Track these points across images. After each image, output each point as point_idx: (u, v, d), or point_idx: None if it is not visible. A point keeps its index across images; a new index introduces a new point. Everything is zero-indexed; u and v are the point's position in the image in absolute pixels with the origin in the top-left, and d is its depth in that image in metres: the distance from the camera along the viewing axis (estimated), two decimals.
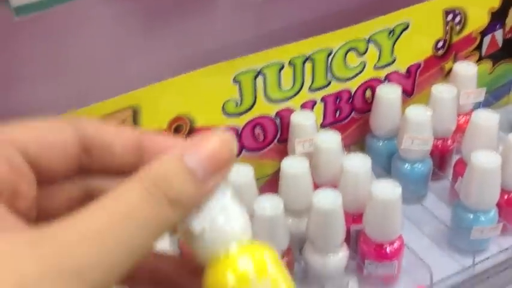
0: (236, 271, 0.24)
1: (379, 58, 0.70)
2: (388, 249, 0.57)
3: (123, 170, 0.27)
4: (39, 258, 0.20)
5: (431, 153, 0.71)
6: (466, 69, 0.72)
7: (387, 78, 0.73)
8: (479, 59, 0.80)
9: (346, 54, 0.67)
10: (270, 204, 0.54)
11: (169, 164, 0.23)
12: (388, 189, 0.54)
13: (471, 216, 0.61)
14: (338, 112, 0.73)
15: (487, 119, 0.63)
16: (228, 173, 0.24)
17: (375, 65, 0.71)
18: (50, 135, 0.26)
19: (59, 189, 0.27)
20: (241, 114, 0.67)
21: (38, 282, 0.19)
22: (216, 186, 0.24)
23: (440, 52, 0.75)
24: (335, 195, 0.54)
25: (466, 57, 0.78)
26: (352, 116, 0.74)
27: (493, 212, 0.61)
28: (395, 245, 0.58)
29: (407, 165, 0.69)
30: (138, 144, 0.27)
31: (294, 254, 0.59)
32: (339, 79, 0.69)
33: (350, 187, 0.58)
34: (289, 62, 0.65)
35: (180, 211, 0.23)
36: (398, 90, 0.69)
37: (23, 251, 0.20)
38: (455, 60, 0.77)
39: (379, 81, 0.73)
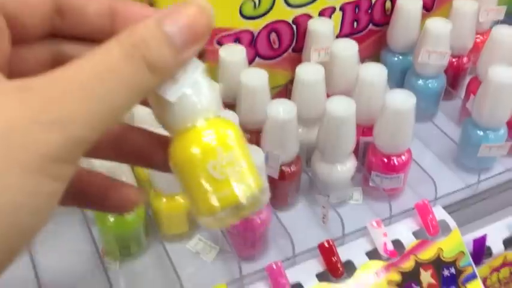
0: (200, 143, 0.25)
1: None
2: (395, 162, 0.58)
3: (95, 37, 0.27)
4: (27, 107, 0.20)
5: (446, 71, 0.70)
6: None
7: None
8: None
9: None
10: (282, 109, 0.53)
11: (148, 28, 0.23)
12: (402, 100, 0.54)
13: (481, 133, 0.60)
14: (356, 23, 0.71)
15: (507, 35, 0.61)
16: (204, 43, 0.24)
17: None
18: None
19: (31, 51, 0.27)
20: (258, 17, 0.65)
21: (25, 127, 0.20)
22: (193, 56, 0.24)
23: None
24: (349, 103, 0.54)
25: None
26: (369, 28, 0.72)
27: (503, 131, 0.60)
28: (404, 157, 0.58)
29: (421, 81, 0.68)
30: (112, 11, 0.26)
31: (302, 163, 0.60)
32: None
33: (364, 97, 0.58)
34: None
35: (157, 76, 0.23)
36: (419, 1, 0.67)
37: (12, 99, 0.21)
38: None
39: None
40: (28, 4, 0.26)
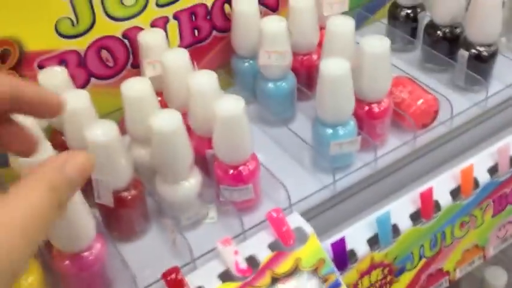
0: None
1: None
2: (241, 172, 0.53)
3: None
4: None
5: (297, 70, 0.67)
6: None
7: None
8: None
9: None
10: (102, 132, 0.47)
11: (58, 175, 0.31)
12: (231, 106, 0.49)
13: (330, 131, 0.57)
14: (196, 31, 0.67)
15: (341, 25, 0.59)
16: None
17: None
18: None
19: None
20: (80, 35, 0.59)
21: None
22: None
23: None
24: (175, 115, 0.49)
25: None
26: (213, 35, 0.68)
27: (352, 125, 0.58)
28: (250, 166, 0.54)
29: (269, 84, 0.64)
30: (15, 94, 0.33)
31: (145, 186, 0.54)
32: None
33: (199, 108, 0.53)
34: None
35: (62, 210, 0.31)
36: (255, 1, 0.64)
37: None
38: None
39: None
40: None
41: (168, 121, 0.48)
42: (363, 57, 0.57)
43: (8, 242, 0.27)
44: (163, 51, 0.58)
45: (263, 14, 0.70)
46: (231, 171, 0.53)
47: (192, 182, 0.52)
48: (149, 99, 0.53)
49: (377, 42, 0.56)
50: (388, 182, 0.59)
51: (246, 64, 0.68)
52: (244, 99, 0.68)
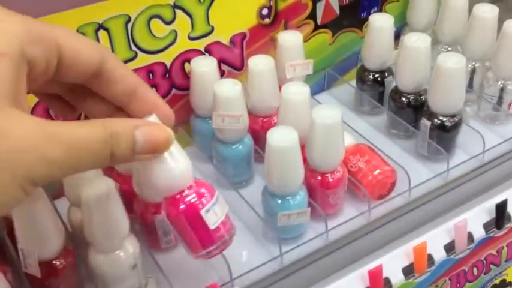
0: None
1: (192, 27, 0.63)
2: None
3: (111, 101, 0.39)
4: (32, 141, 0.29)
5: (257, 132, 0.66)
6: (290, 39, 0.66)
7: (207, 49, 0.66)
8: (316, 29, 0.74)
9: (149, 21, 0.60)
10: (29, 198, 0.46)
11: (125, 128, 0.33)
12: (99, 186, 0.46)
13: (278, 201, 0.55)
14: (155, 89, 0.66)
15: (296, 93, 0.58)
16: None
17: (188, 34, 0.64)
18: (85, 54, 0.35)
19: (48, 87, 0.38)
20: None
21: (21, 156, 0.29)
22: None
23: (267, 20, 0.69)
24: (107, 182, 0.47)
25: (299, 27, 0.72)
26: (173, 93, 0.67)
27: (302, 195, 0.56)
28: None
29: (225, 147, 0.63)
30: (134, 92, 0.38)
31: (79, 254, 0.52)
32: (146, 51, 0.62)
33: None
34: (77, 31, 0.56)
35: (113, 162, 0.33)
36: (214, 62, 0.63)
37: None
38: (286, 29, 0.71)
39: (200, 53, 0.66)
40: (81, 62, 0.35)
41: (99, 187, 0.46)
42: (314, 128, 0.55)
43: (47, 149, 0.29)
44: None
45: (227, 74, 0.69)
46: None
47: (127, 253, 0.50)
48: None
49: (328, 112, 0.55)
50: (338, 256, 0.57)
51: (205, 124, 0.66)
52: (201, 160, 0.67)
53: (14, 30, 0.32)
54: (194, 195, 0.42)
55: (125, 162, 0.34)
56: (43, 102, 0.42)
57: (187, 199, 0.42)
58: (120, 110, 0.40)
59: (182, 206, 0.42)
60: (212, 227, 0.43)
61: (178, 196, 0.42)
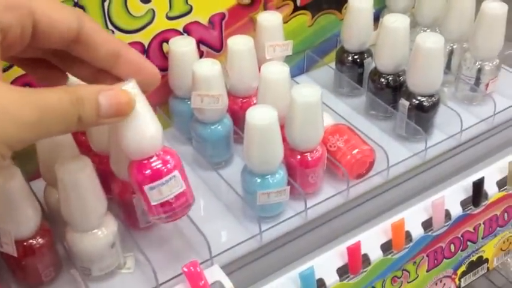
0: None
1: (170, 6, 0.63)
2: None
3: (97, 65, 0.39)
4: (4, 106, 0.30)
5: (236, 113, 0.65)
6: (269, 19, 0.66)
7: (186, 29, 0.66)
8: (295, 10, 0.74)
9: (125, 0, 0.59)
10: (4, 177, 0.45)
11: (90, 93, 0.35)
12: (75, 164, 0.47)
13: (258, 180, 0.55)
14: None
15: (275, 72, 0.58)
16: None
17: (166, 14, 0.63)
18: (61, 20, 0.35)
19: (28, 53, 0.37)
20: None
21: None
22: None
23: (247, 1, 0.68)
24: (83, 161, 0.46)
25: (278, 8, 0.72)
26: None
27: (281, 174, 0.56)
28: None
29: (204, 127, 0.62)
30: (117, 53, 0.38)
31: (56, 233, 0.51)
32: (123, 30, 0.61)
33: None
34: None
35: (81, 126, 0.34)
36: (193, 42, 0.62)
37: None
38: (265, 10, 0.71)
39: (178, 33, 0.65)
40: (57, 28, 0.35)
41: (75, 165, 0.46)
42: (293, 107, 0.55)
43: (21, 113, 0.30)
44: None
45: (205, 55, 0.69)
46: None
47: (105, 231, 0.49)
48: (64, 142, 0.50)
49: (308, 91, 0.55)
50: (317, 234, 0.57)
51: (183, 105, 0.66)
52: (180, 141, 0.67)
53: None
54: (153, 166, 0.44)
55: (92, 125, 0.36)
56: (27, 72, 0.41)
57: (145, 171, 0.44)
58: (106, 72, 0.40)
59: (141, 173, 0.44)
60: (153, 203, 0.45)
61: (145, 162, 0.44)
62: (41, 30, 0.34)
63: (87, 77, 0.41)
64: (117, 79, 0.39)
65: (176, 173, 0.45)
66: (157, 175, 0.44)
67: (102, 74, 0.40)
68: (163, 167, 0.44)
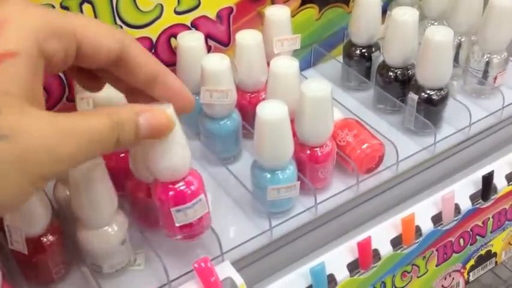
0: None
1: (178, 1, 0.62)
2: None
3: (134, 86, 0.39)
4: (46, 136, 0.30)
5: (245, 108, 0.65)
6: (277, 13, 0.65)
7: (194, 24, 0.65)
8: (302, 4, 0.74)
9: None
10: None
11: (129, 115, 0.34)
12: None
13: (268, 175, 0.55)
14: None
15: (284, 66, 0.58)
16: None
17: (175, 9, 0.63)
18: (104, 43, 0.35)
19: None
20: None
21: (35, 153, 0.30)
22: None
23: None
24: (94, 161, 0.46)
25: (286, 2, 0.72)
26: None
27: (291, 170, 0.56)
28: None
29: (212, 123, 0.62)
30: (156, 77, 0.38)
31: (67, 230, 0.51)
32: (131, 25, 0.61)
33: None
34: (61, 5, 0.55)
35: (118, 147, 0.34)
36: (201, 37, 0.62)
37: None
38: (273, 4, 0.70)
39: (186, 28, 0.65)
40: (100, 53, 0.35)
41: (87, 163, 0.46)
42: (303, 101, 0.55)
43: (59, 146, 0.30)
44: None
45: (213, 50, 0.69)
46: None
47: (116, 228, 0.49)
48: None
49: (318, 86, 0.55)
50: (327, 229, 0.57)
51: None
52: (188, 136, 0.67)
53: (31, 25, 0.32)
54: (180, 189, 0.46)
55: (128, 146, 0.38)
56: (67, 74, 0.42)
57: (170, 192, 0.46)
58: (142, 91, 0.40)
59: (166, 195, 0.46)
60: (177, 224, 0.48)
61: (172, 184, 0.46)
62: (84, 54, 0.34)
63: (124, 90, 0.41)
64: (152, 98, 0.39)
65: (202, 196, 0.48)
66: (183, 198, 0.46)
67: (139, 91, 0.40)
68: (189, 190, 0.46)
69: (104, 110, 0.33)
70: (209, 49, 0.68)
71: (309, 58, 0.80)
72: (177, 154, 0.43)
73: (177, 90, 0.39)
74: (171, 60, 0.65)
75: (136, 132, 0.34)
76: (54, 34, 0.33)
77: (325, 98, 0.55)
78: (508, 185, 0.65)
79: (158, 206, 0.48)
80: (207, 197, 0.49)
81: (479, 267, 0.69)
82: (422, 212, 0.59)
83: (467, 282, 0.68)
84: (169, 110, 0.38)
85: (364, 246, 0.55)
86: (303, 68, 0.79)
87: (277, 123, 0.52)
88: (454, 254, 0.64)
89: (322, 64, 0.81)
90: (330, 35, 0.80)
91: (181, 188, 0.46)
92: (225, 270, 0.51)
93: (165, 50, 0.65)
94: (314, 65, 0.81)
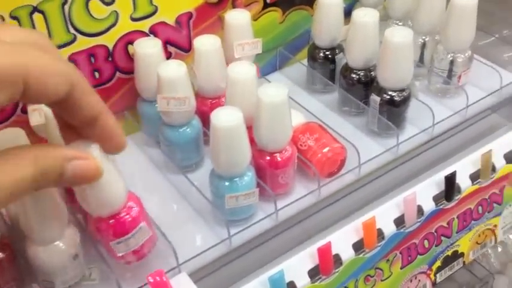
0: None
1: (134, 7, 0.61)
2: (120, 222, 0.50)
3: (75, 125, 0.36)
4: None
5: (204, 115, 0.64)
6: (237, 17, 0.65)
7: (152, 30, 0.64)
8: (265, 7, 0.73)
9: (87, 2, 0.58)
10: None
11: (57, 160, 0.33)
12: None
13: (225, 183, 0.55)
14: (97, 73, 0.64)
15: (241, 72, 0.57)
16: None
17: (131, 15, 0.62)
18: (52, 86, 0.32)
19: None
20: None
21: None
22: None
23: None
24: None
25: (247, 6, 0.71)
26: (117, 77, 0.65)
27: (249, 176, 0.55)
28: (128, 217, 0.49)
29: (172, 130, 0.61)
30: (95, 119, 0.36)
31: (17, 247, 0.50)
32: (85, 33, 0.60)
33: None
34: (11, 15, 0.54)
35: (36, 189, 0.33)
36: (158, 43, 0.61)
37: None
38: (234, 8, 0.69)
39: (144, 35, 0.64)
40: (47, 95, 0.32)
41: None
42: (260, 107, 0.54)
43: None
44: None
45: (174, 56, 0.68)
46: (109, 223, 0.50)
47: (67, 243, 0.48)
48: None
49: (275, 91, 0.54)
50: (288, 236, 0.57)
51: (151, 108, 0.64)
52: (149, 144, 0.66)
53: None
54: (117, 223, 0.46)
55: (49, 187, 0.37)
56: None
57: (108, 224, 0.46)
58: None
59: (105, 228, 0.46)
60: (119, 255, 0.48)
61: (106, 220, 0.46)
62: (30, 95, 0.32)
63: (59, 125, 0.39)
64: (81, 135, 0.38)
65: (143, 224, 0.47)
66: (123, 228, 0.46)
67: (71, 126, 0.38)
68: (129, 218, 0.47)
69: (31, 151, 0.32)
70: (169, 55, 0.67)
71: (275, 62, 0.79)
72: (109, 192, 0.43)
73: (112, 131, 0.37)
74: (129, 67, 0.64)
75: (61, 178, 0.33)
76: (1, 86, 0.30)
77: (282, 103, 0.54)
78: (472, 184, 0.65)
79: (101, 241, 0.49)
80: (148, 219, 0.49)
81: (447, 268, 0.68)
82: (384, 215, 0.59)
83: (434, 283, 0.68)
84: (95, 153, 0.37)
85: (324, 252, 0.54)
86: (268, 71, 0.79)
87: (232, 130, 0.52)
88: (418, 256, 0.63)
89: (288, 67, 0.80)
90: (295, 38, 0.79)
91: (120, 219, 0.46)
92: (181, 281, 0.50)
93: (122, 57, 0.64)
94: (280, 69, 0.80)
